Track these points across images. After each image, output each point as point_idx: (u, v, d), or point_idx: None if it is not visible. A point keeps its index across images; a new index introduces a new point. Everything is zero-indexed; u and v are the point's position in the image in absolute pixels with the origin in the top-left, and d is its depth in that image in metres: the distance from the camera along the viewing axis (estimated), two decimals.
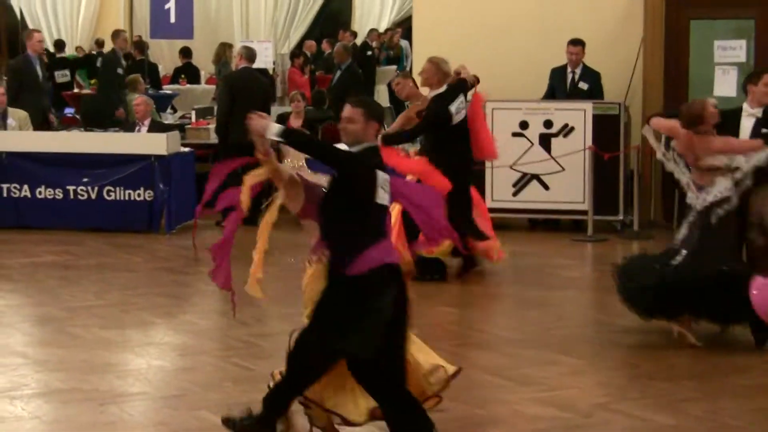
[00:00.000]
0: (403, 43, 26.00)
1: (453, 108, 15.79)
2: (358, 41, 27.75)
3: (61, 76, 25.59)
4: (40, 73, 22.18)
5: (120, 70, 22.66)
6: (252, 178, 9.44)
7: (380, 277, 8.70)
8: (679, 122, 12.68)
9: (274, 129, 8.72)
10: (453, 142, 15.66)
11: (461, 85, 16.31)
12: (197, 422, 10.26)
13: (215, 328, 14.09)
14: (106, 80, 24.19)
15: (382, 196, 8.82)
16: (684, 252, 12.67)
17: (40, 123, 21.18)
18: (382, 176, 8.80)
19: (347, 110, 8.97)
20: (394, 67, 26.15)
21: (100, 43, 26.83)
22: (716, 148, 12.62)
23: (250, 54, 20.28)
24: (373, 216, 8.84)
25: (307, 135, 10.01)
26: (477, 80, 16.57)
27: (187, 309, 15.01)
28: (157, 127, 20.37)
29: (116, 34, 22.19)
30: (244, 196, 9.35)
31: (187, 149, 20.47)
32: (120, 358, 12.96)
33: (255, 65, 20.86)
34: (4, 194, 19.82)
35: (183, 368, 12.18)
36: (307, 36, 27.54)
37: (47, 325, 14.00)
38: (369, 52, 25.11)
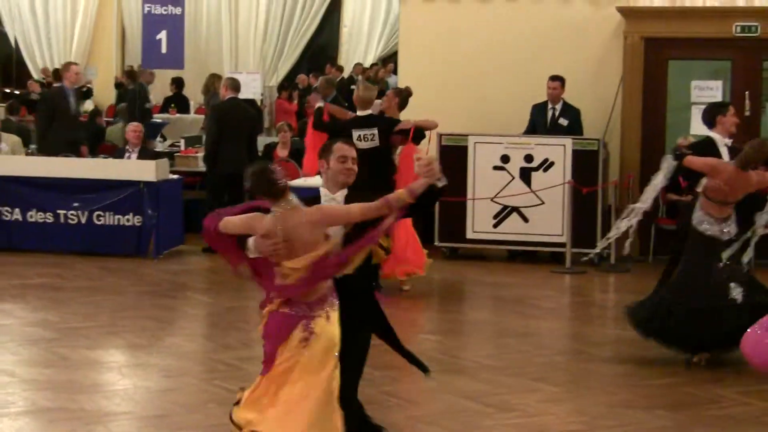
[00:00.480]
0: (392, 79, 25.95)
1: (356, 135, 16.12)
2: (346, 74, 27.94)
3: None
4: (73, 104, 22.07)
5: (148, 105, 22.55)
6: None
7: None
8: (741, 160, 12.69)
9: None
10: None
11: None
12: None
13: (200, 351, 14.06)
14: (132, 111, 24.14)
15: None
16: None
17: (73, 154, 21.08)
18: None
19: (352, 151, 8.49)
20: (379, 101, 26.16)
21: (132, 75, 26.85)
22: (755, 182, 12.78)
23: (235, 85, 20.25)
24: None
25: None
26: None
27: (172, 332, 14.99)
28: (146, 154, 20.33)
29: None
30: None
31: (175, 176, 20.41)
32: (106, 379, 13.00)
33: (243, 96, 20.83)
34: None
35: (167, 389, 12.11)
36: (295, 69, 27.56)
37: (36, 346, 13.94)
38: (353, 86, 25.07)
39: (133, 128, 20.96)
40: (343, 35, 28.46)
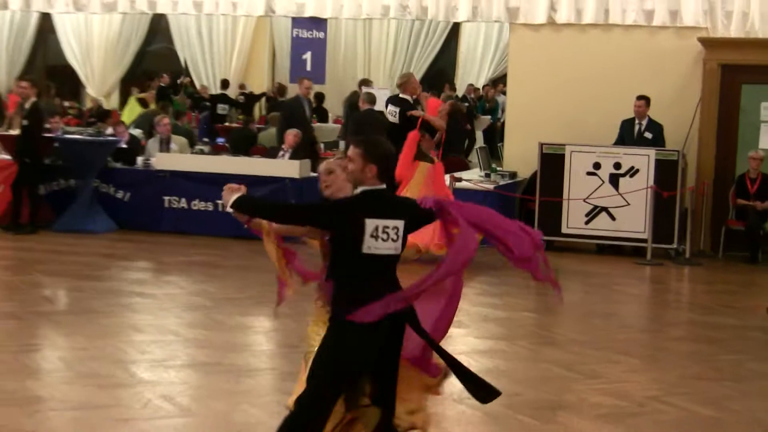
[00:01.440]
0: (500, 98, 25.90)
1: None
2: (460, 93, 27.95)
3: (221, 109, 25.79)
4: (307, 111, 22.35)
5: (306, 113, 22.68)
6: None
7: (369, 329, 7.21)
8: None
9: (229, 201, 7.55)
10: None
11: None
12: None
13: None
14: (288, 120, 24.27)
15: (377, 246, 7.15)
16: None
17: (308, 152, 21.40)
18: (378, 223, 7.15)
19: (349, 149, 7.55)
20: (489, 116, 26.09)
21: (281, 90, 27.04)
22: None
23: (371, 98, 20.53)
24: (364, 266, 7.22)
25: (257, 201, 7.96)
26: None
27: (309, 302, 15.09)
28: (297, 156, 20.54)
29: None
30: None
31: (315, 174, 20.52)
32: (254, 340, 13.43)
33: (377, 108, 20.95)
34: (166, 205, 20.18)
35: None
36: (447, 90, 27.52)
37: (197, 311, 14.14)
38: (466, 103, 25.07)
39: (294, 134, 21.21)
40: (460, 59, 28.41)
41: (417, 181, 17.34)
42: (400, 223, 7.20)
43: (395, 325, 7.27)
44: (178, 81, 28.71)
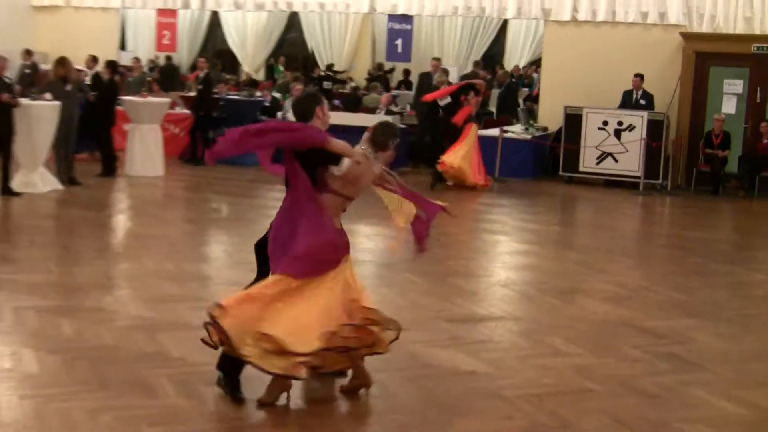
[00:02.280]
0: (535, 75, 25.64)
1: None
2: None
3: (326, 85, 25.54)
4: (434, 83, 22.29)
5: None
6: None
7: None
8: None
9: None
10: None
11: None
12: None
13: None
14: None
15: None
16: None
17: None
18: None
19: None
20: (527, 88, 25.86)
21: (380, 66, 27.30)
22: None
23: (445, 72, 20.31)
24: None
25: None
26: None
27: None
28: (389, 113, 20.54)
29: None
30: None
31: (403, 126, 20.48)
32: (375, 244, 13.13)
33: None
34: None
35: None
36: (476, 66, 27.36)
37: None
38: (513, 79, 24.85)
39: (387, 97, 21.27)
40: (507, 46, 28.21)
41: (470, 139, 17.44)
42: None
43: None
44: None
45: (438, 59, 21.66)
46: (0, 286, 9.60)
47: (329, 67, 27.49)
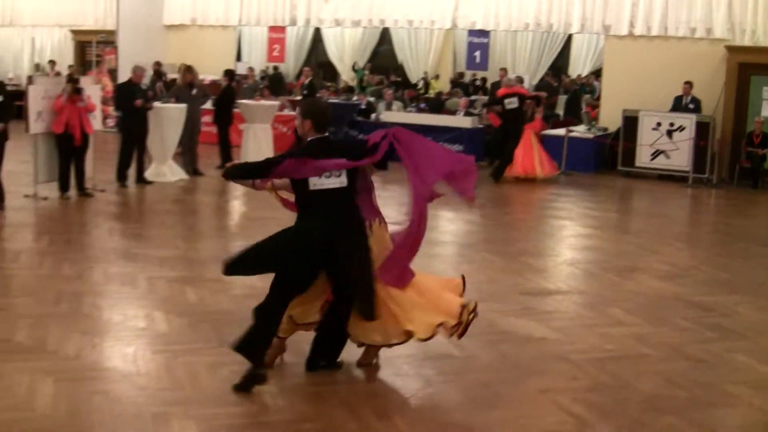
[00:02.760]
0: (596, 84, 25.32)
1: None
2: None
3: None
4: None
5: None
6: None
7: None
8: None
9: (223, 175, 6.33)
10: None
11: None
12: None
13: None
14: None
15: (322, 182, 6.01)
16: None
17: None
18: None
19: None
20: (589, 95, 25.52)
21: (461, 74, 27.27)
22: None
23: (520, 80, 20.09)
24: (313, 200, 6.09)
25: (237, 167, 6.31)
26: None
27: None
28: (467, 114, 20.38)
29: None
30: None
31: (481, 126, 20.31)
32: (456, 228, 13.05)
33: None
34: None
35: None
36: (545, 75, 27.10)
37: None
38: (576, 86, 24.56)
39: (464, 100, 21.14)
40: (572, 57, 27.89)
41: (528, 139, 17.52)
42: (341, 161, 6.02)
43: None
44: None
45: (504, 69, 21.50)
46: (135, 259, 9.77)
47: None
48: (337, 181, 6.06)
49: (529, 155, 17.35)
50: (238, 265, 6.12)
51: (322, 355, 6.45)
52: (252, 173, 6.30)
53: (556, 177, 17.67)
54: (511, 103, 17.15)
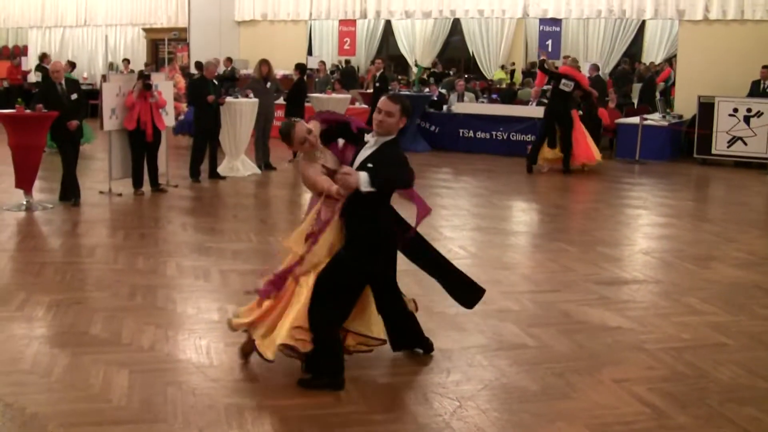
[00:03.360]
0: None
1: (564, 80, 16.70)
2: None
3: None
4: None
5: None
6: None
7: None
8: None
9: (363, 182, 5.50)
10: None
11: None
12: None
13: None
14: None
15: None
16: None
17: None
18: None
19: (388, 105, 5.88)
20: (663, 83, 25.14)
21: (533, 65, 26.81)
22: None
23: (596, 67, 19.90)
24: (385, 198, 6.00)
25: (387, 175, 5.67)
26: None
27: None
28: (538, 103, 20.20)
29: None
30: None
31: None
32: (515, 214, 12.91)
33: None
34: (460, 135, 20.17)
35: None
36: (619, 62, 26.76)
37: (479, 197, 14.10)
38: (649, 74, 24.25)
39: (535, 90, 20.97)
40: (645, 44, 27.51)
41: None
42: None
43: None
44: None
45: (567, 56, 21.11)
46: (209, 252, 9.85)
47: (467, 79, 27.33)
48: None
49: (583, 142, 17.04)
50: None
51: (407, 341, 6.53)
52: (402, 178, 5.88)
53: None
54: (567, 85, 16.71)
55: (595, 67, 19.53)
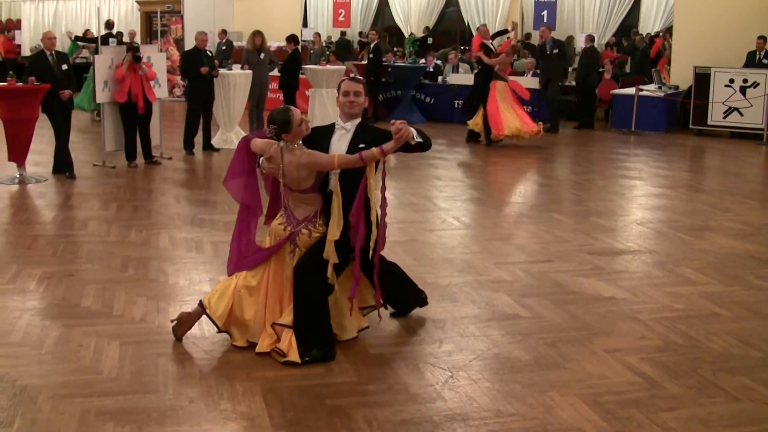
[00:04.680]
0: (666, 43, 24.89)
1: None
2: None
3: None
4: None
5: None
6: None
7: None
8: None
9: (415, 133, 5.67)
10: None
11: None
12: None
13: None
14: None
15: None
16: None
17: None
18: None
19: (354, 86, 5.97)
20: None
21: (528, 36, 26.69)
22: None
23: (591, 38, 19.82)
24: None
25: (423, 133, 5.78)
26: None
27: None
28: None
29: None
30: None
31: None
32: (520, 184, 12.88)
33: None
34: (455, 106, 19.91)
35: None
36: (614, 33, 26.63)
37: (472, 169, 14.01)
38: (643, 45, 24.14)
39: (530, 62, 20.86)
40: (642, 15, 27.35)
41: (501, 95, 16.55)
42: None
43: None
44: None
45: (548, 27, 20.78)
46: (201, 224, 9.84)
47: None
48: None
49: (496, 114, 16.43)
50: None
51: (402, 303, 6.71)
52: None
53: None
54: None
55: (589, 38, 19.43)
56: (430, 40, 27.09)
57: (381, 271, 6.09)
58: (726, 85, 18.10)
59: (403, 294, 6.69)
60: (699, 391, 5.53)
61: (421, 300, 6.78)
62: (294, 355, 5.77)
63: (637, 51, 23.61)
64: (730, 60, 18.58)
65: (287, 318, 5.91)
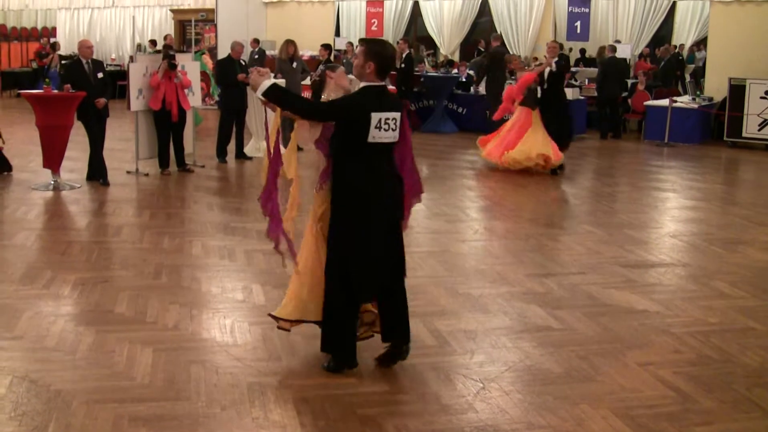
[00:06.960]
0: (699, 54, 24.75)
1: None
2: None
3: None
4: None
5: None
6: (273, 124, 5.89)
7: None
8: None
9: (260, 87, 5.55)
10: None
11: None
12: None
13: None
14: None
15: (380, 135, 5.54)
16: None
17: None
18: (381, 116, 5.50)
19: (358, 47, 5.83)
20: (693, 65, 24.89)
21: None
22: None
23: (613, 48, 19.79)
24: (369, 154, 5.61)
25: (284, 91, 5.70)
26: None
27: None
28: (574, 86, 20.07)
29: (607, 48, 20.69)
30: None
31: (582, 98, 20.04)
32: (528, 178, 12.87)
33: (619, 56, 20.21)
34: (488, 116, 19.87)
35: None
36: (649, 44, 26.50)
37: (501, 177, 14.03)
38: (680, 57, 24.04)
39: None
40: (676, 26, 27.21)
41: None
42: (398, 115, 5.61)
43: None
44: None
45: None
46: (234, 232, 9.88)
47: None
48: (393, 135, 5.65)
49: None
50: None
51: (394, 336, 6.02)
52: (306, 109, 5.75)
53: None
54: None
55: (611, 48, 19.38)
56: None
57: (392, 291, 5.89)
58: (761, 97, 18.01)
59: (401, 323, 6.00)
60: (733, 406, 5.49)
61: (405, 351, 6.02)
62: (280, 311, 5.97)
63: (662, 61, 23.47)
64: (766, 71, 18.47)
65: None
